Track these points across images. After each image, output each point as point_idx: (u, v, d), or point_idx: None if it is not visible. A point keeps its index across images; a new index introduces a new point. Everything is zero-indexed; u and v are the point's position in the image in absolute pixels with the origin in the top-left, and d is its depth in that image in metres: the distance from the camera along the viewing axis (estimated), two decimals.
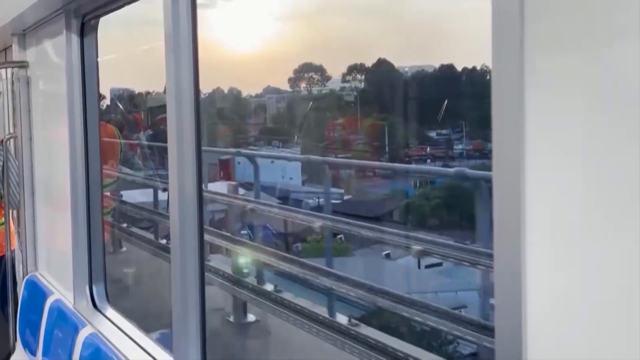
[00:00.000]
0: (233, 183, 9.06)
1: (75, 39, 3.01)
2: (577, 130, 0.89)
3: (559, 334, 0.93)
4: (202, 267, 2.18)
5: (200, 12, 2.11)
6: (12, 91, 3.87)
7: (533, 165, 0.94)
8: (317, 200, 8.85)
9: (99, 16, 2.95)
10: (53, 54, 3.44)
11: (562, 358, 0.93)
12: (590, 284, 0.89)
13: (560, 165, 0.91)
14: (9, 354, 3.93)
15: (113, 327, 2.84)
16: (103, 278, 3.14)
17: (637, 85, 0.81)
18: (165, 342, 2.48)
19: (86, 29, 3.01)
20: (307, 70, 10.90)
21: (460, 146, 8.87)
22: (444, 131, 9.03)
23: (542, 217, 0.94)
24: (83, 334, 2.87)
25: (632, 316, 0.84)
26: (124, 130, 7.56)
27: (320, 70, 10.95)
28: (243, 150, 9.48)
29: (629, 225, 0.84)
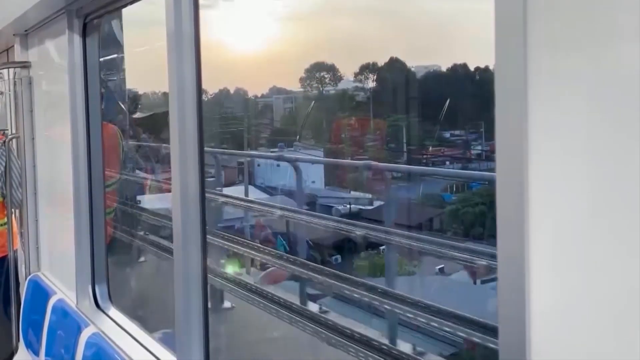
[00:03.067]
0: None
1: (77, 39, 3.01)
2: (580, 131, 0.89)
3: (562, 334, 0.93)
4: (205, 267, 2.18)
5: (201, 12, 2.11)
6: (15, 91, 3.88)
7: (536, 165, 0.94)
8: (347, 206, 8.46)
9: (101, 16, 2.96)
10: (55, 54, 3.45)
11: (565, 358, 0.93)
12: (594, 283, 0.89)
13: (564, 165, 0.92)
14: (12, 354, 3.94)
15: (116, 327, 2.84)
16: (105, 278, 3.15)
17: (637, 86, 0.81)
18: (168, 342, 2.49)
19: (88, 29, 3.01)
20: (319, 70, 10.78)
21: (479, 147, 8.63)
22: (460, 132, 8.83)
23: (546, 217, 0.94)
24: (86, 333, 2.87)
25: (636, 316, 0.84)
26: (129, 130, 7.50)
27: (331, 69, 10.83)
28: (287, 155, 8.87)
29: (632, 225, 0.84)
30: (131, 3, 2.65)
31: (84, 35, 3.01)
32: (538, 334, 0.96)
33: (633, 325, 0.84)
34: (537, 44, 0.93)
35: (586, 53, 0.89)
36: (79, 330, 2.93)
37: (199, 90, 2.10)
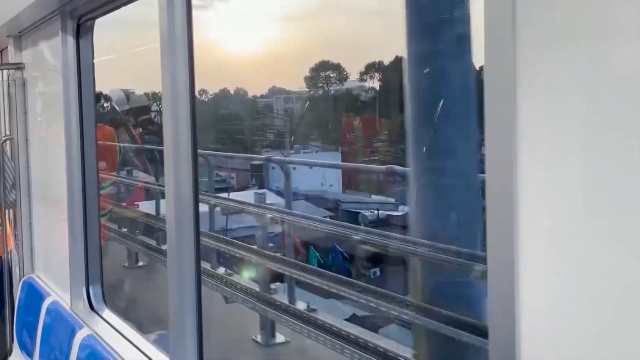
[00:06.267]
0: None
1: (71, 40, 3.01)
2: (570, 130, 0.90)
3: (552, 334, 0.94)
4: (199, 269, 2.18)
5: (197, 13, 2.11)
6: (8, 93, 3.87)
7: (525, 164, 0.94)
8: (375, 212, 7.98)
9: (94, 18, 2.96)
10: (49, 56, 3.44)
11: (555, 358, 0.93)
12: (584, 284, 0.89)
13: (553, 165, 0.92)
14: (6, 356, 3.93)
15: (110, 329, 2.84)
16: (100, 279, 3.14)
17: (631, 85, 0.82)
18: (163, 344, 2.49)
19: (82, 31, 3.01)
20: (324, 69, 10.66)
21: None
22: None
23: (536, 217, 0.95)
24: (80, 335, 2.87)
25: (626, 316, 0.84)
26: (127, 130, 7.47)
27: (337, 68, 10.70)
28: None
29: (622, 225, 0.84)
30: (125, 4, 2.65)
31: (78, 36, 3.01)
32: (528, 334, 0.96)
33: (625, 326, 0.84)
34: (526, 43, 0.93)
35: (576, 51, 0.89)
36: (73, 332, 2.93)
37: (192, 92, 2.10)
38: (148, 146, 7.40)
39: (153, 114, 8.16)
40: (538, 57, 0.93)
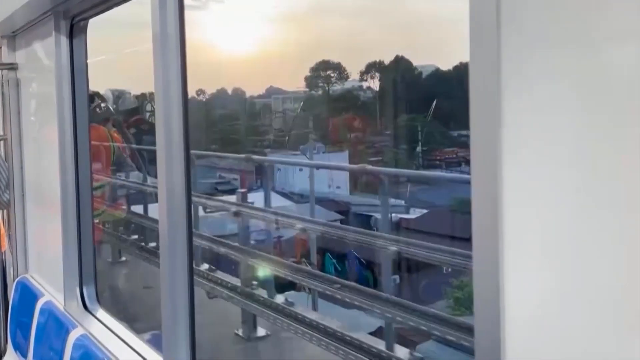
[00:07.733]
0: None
1: (64, 40, 3.01)
2: (555, 128, 0.90)
3: (537, 335, 0.94)
4: (191, 269, 2.19)
5: (193, 13, 2.12)
6: (2, 93, 3.87)
7: (510, 165, 0.95)
8: (387, 216, 7.92)
9: (88, 18, 2.96)
10: (42, 56, 3.44)
11: (539, 358, 0.94)
12: (570, 284, 0.90)
13: (539, 164, 0.92)
14: (0, 356, 3.93)
15: (103, 328, 2.84)
16: (93, 279, 3.15)
17: (620, 84, 0.82)
18: (156, 343, 2.49)
19: (75, 31, 3.01)
20: (324, 69, 10.59)
21: None
22: (467, 132, 8.61)
23: (521, 218, 0.95)
24: (73, 335, 2.87)
25: (610, 317, 0.85)
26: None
27: (337, 68, 10.63)
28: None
29: (607, 226, 0.85)
30: (119, 4, 2.65)
31: (71, 36, 3.01)
32: (513, 335, 0.96)
33: (609, 326, 0.85)
34: (511, 42, 0.94)
35: (561, 50, 0.89)
36: (66, 332, 2.93)
37: (185, 92, 2.11)
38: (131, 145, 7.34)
39: (146, 114, 8.14)
40: (523, 56, 0.94)
